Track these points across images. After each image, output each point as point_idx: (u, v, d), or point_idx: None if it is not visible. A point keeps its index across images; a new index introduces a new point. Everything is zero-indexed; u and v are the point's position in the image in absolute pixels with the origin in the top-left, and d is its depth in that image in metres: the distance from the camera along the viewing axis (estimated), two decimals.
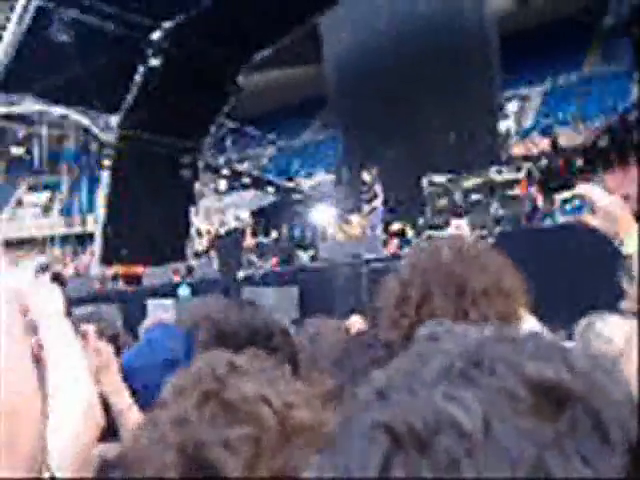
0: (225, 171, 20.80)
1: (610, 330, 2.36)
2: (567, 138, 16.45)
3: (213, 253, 13.29)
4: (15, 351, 1.01)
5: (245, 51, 18.85)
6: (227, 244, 12.36)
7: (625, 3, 12.28)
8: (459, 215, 11.17)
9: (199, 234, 16.73)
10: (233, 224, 12.46)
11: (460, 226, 2.64)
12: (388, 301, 1.45)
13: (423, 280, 1.40)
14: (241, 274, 11.53)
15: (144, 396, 1.76)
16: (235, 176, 21.31)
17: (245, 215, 13.77)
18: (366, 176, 12.78)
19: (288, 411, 0.99)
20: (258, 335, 1.71)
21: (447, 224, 10.15)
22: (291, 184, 22.16)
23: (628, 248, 1.78)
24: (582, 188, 1.90)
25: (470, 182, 12.96)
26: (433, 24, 16.52)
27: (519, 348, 0.49)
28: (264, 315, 1.83)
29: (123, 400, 1.88)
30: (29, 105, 16.79)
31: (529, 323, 1.71)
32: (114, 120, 18.28)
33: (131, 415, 1.85)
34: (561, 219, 9.05)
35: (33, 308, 1.52)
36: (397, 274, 1.48)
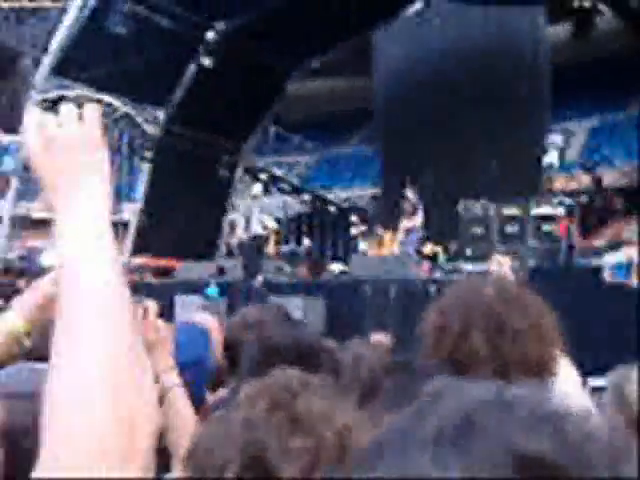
0: (263, 175, 20.94)
1: None
2: (610, 177, 16.29)
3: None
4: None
5: (296, 58, 19.01)
6: (251, 249, 12.43)
7: None
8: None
9: (226, 235, 16.80)
10: (259, 230, 12.50)
11: (502, 261, 2.63)
12: (427, 329, 1.47)
13: (464, 313, 1.43)
14: (261, 279, 11.54)
15: None
16: (273, 181, 21.43)
17: (271, 222, 13.81)
18: (409, 193, 12.70)
19: (347, 432, 1.07)
20: (306, 353, 1.75)
21: (485, 256, 10.08)
22: (328, 194, 22.20)
23: None
24: (630, 252, 1.94)
25: (508, 212, 12.87)
26: (486, 48, 16.46)
27: (513, 415, 0.48)
28: (311, 333, 1.87)
29: (172, 379, 1.94)
30: (79, 91, 17.06)
31: (565, 367, 1.73)
32: (160, 114, 18.53)
33: (178, 394, 1.92)
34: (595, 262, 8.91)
35: None
36: (438, 304, 1.51)
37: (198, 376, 2.08)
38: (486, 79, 16.07)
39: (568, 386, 1.73)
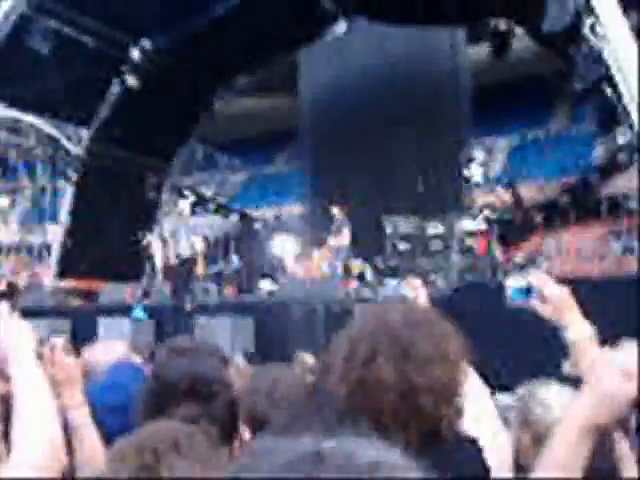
0: (190, 194, 20.79)
1: (551, 397, 2.43)
2: (529, 193, 16.83)
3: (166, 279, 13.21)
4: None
5: (222, 77, 19.00)
6: (179, 271, 12.34)
7: (593, 70, 12.71)
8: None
9: (151, 256, 16.59)
10: (187, 251, 12.41)
11: (415, 285, 2.71)
12: (337, 356, 1.47)
13: (370, 340, 1.43)
14: (189, 304, 11.46)
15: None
16: (200, 200, 21.30)
17: (199, 242, 13.73)
18: (336, 211, 12.84)
19: None
20: (198, 384, 1.75)
21: (410, 271, 10.28)
22: (256, 213, 22.20)
23: (572, 336, 1.93)
24: (533, 276, 2.03)
25: (432, 228, 13.17)
26: (409, 68, 16.84)
27: (325, 467, 0.52)
28: (205, 363, 1.86)
29: (82, 417, 1.94)
30: (0, 111, 16.64)
31: (472, 385, 1.79)
32: (84, 134, 18.21)
33: (87, 432, 1.92)
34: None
35: (4, 343, 1.63)
36: (347, 330, 1.52)
37: (123, 420, 1.96)
38: (409, 98, 16.42)
39: (475, 407, 1.77)
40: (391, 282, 11.02)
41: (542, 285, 1.99)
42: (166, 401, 1.71)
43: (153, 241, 16.60)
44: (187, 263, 12.51)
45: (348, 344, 1.47)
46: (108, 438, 1.80)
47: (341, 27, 17.92)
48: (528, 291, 2.05)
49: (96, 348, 2.95)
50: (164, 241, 16.10)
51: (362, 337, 1.45)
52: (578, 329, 1.93)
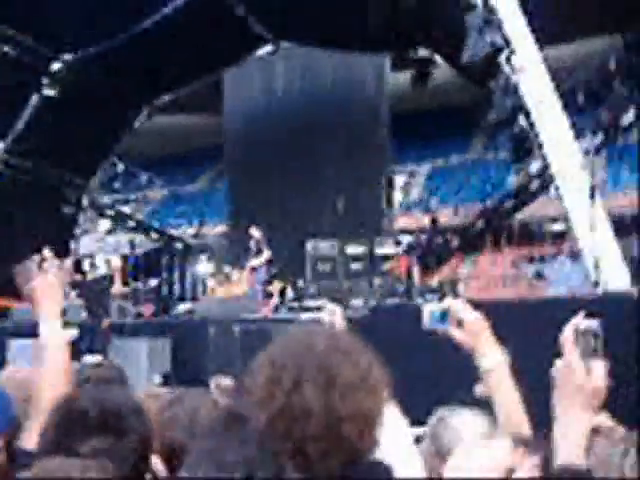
0: (110, 212, 20.38)
1: (461, 424, 2.45)
2: (447, 217, 17.26)
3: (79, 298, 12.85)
4: None
5: (145, 93, 18.77)
6: (94, 290, 12.05)
7: (508, 101, 13.20)
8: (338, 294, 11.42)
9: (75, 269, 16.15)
10: (104, 269, 12.14)
11: (334, 312, 2.71)
12: (258, 379, 1.43)
13: (295, 365, 1.41)
14: (106, 321, 11.21)
15: None
16: (120, 218, 20.89)
17: (116, 260, 13.46)
18: (254, 232, 12.86)
19: None
20: (109, 416, 1.66)
21: (331, 293, 10.35)
22: (176, 232, 21.93)
23: (486, 364, 1.96)
24: (449, 302, 2.06)
25: (353, 250, 13.31)
26: (334, 92, 17.08)
27: None
28: (121, 394, 1.80)
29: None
30: None
31: (392, 416, 1.79)
32: (0, 146, 17.64)
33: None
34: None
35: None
36: (269, 354, 1.47)
37: None
38: (333, 121, 16.64)
39: (393, 437, 1.77)
40: (310, 304, 11.09)
41: (457, 310, 2.01)
42: (72, 434, 1.62)
43: (72, 259, 16.14)
44: (103, 281, 12.22)
45: (271, 368, 1.42)
46: None
47: (267, 48, 18.04)
48: (444, 316, 2.07)
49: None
50: (82, 259, 15.71)
51: (286, 362, 1.42)
52: (491, 358, 1.96)
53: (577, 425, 1.54)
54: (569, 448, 1.52)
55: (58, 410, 1.70)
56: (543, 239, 15.40)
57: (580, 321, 1.60)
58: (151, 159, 26.08)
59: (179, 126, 26.19)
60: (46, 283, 2.08)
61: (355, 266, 13.18)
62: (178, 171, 26.71)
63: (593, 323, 1.60)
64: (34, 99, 17.32)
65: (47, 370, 1.92)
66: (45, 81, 16.99)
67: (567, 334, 1.60)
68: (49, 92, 17.02)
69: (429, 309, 2.11)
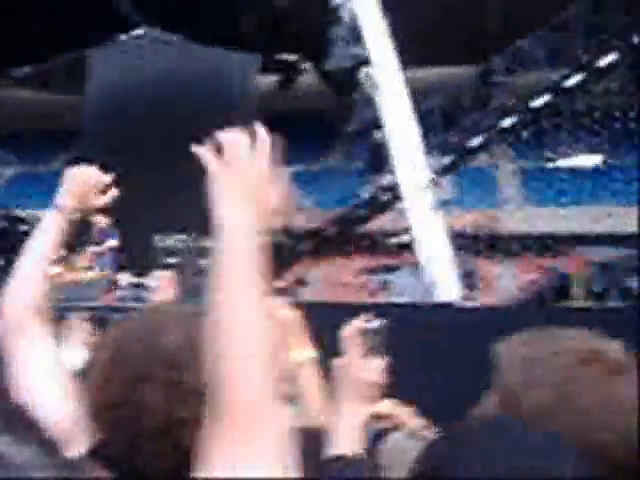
0: None
1: None
2: (302, 221, 17.54)
3: None
4: None
5: (6, 62, 17.88)
6: None
7: (367, 113, 13.70)
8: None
9: None
10: None
11: (164, 276, 2.81)
12: (95, 371, 1.32)
13: (140, 359, 1.29)
14: None
15: None
16: None
17: None
18: (100, 218, 12.54)
19: None
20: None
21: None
22: (22, 213, 20.90)
23: (297, 358, 2.17)
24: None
25: (202, 245, 13.27)
26: (201, 85, 16.95)
27: None
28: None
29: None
30: None
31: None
32: None
33: None
34: None
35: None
36: (109, 340, 1.38)
37: None
38: (196, 115, 16.49)
39: None
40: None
41: (275, 308, 2.15)
42: None
43: None
44: None
45: (111, 359, 1.31)
46: None
47: (136, 32, 17.68)
48: None
49: None
50: None
51: (131, 353, 1.30)
52: (302, 353, 2.18)
53: (352, 416, 1.68)
54: (342, 437, 1.65)
55: None
56: (390, 250, 16.01)
57: (363, 321, 1.79)
58: (3, 134, 24.71)
59: (38, 102, 25.03)
60: None
61: (204, 261, 13.14)
62: (32, 149, 25.43)
63: (376, 324, 1.78)
64: None
65: None
66: None
67: (347, 333, 1.78)
68: None
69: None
